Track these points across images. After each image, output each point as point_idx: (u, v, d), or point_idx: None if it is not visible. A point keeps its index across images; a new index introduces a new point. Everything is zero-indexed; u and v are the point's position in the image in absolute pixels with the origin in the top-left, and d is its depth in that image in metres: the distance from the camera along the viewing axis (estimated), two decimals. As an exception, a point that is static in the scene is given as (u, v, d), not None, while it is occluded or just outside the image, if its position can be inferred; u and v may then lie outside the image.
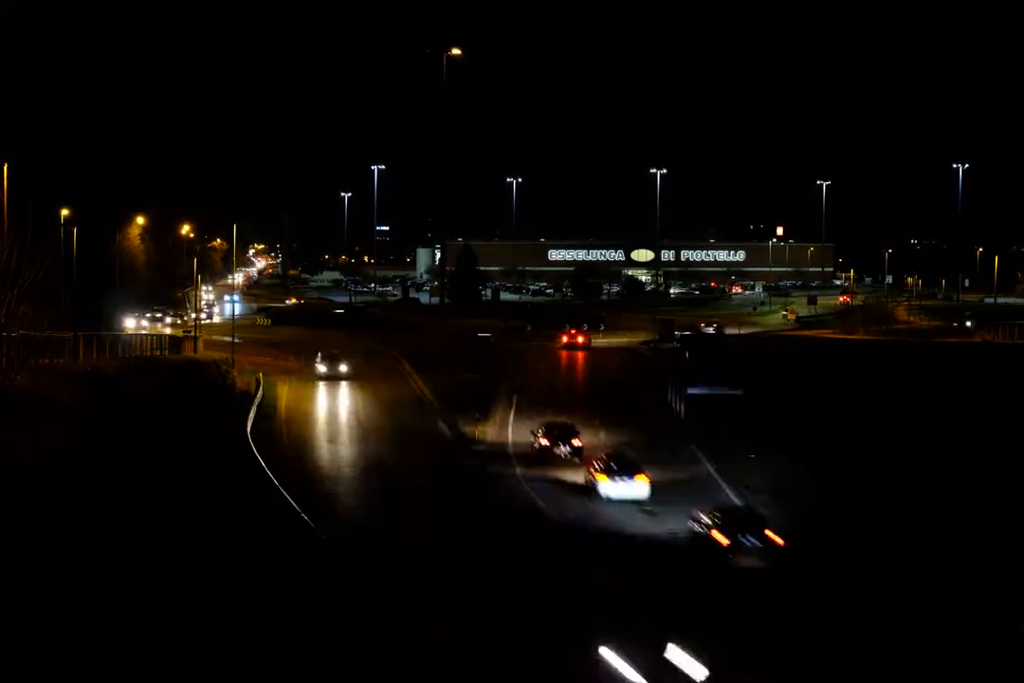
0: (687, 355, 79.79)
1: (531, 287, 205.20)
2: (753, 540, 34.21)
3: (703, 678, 24.88)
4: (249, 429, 54.95)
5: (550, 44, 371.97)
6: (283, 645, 25.59)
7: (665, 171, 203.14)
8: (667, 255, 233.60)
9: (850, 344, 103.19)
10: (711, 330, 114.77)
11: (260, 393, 66.65)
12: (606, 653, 25.67)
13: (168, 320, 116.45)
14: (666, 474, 46.02)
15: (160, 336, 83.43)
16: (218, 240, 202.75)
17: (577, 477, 45.90)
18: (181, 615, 26.29)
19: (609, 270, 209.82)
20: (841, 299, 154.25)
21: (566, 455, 49.24)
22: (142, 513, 34.29)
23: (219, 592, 28.63)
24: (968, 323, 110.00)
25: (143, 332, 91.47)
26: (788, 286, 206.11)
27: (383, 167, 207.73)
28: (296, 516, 38.02)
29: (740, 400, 59.73)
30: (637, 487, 42.70)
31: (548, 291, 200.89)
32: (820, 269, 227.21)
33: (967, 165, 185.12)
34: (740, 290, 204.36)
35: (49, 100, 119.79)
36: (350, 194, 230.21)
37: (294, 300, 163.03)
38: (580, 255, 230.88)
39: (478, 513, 40.89)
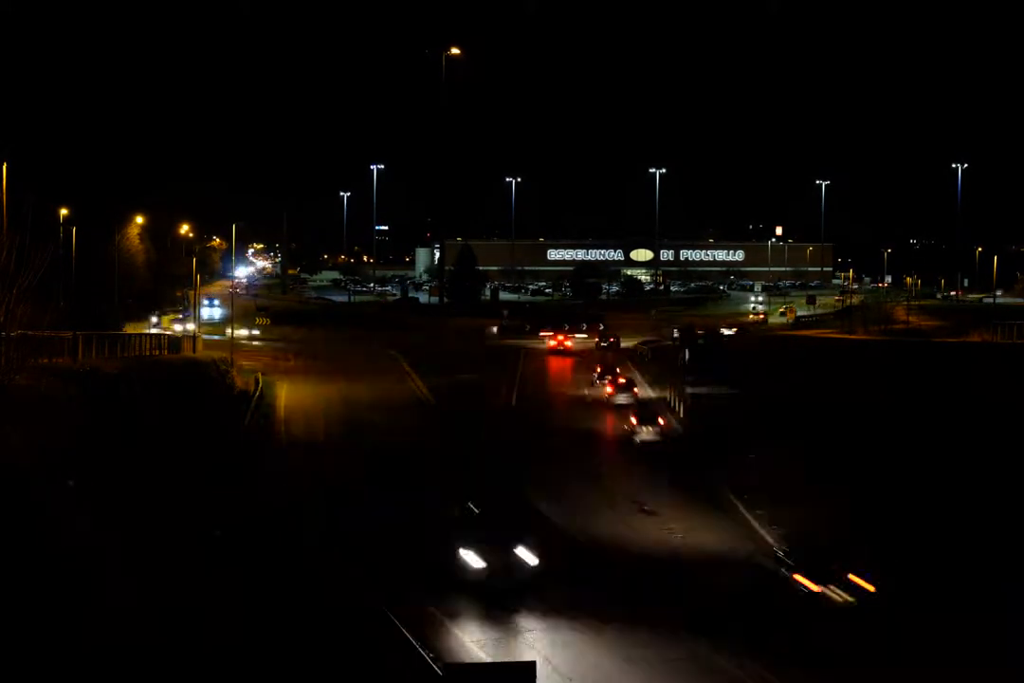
0: (687, 356, 79.86)
1: (530, 287, 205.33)
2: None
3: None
4: (248, 429, 55.03)
5: (548, 43, 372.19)
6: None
7: (664, 171, 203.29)
8: (666, 255, 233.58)
9: (846, 343, 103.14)
10: (731, 331, 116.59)
11: (259, 393, 66.72)
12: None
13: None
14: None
15: (159, 336, 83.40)
16: (217, 240, 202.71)
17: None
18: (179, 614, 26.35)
19: (608, 270, 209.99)
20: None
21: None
22: (138, 512, 34.33)
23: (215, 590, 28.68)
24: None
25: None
26: (787, 286, 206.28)
27: (382, 167, 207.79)
28: (295, 516, 38.09)
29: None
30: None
31: (547, 291, 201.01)
32: (819, 269, 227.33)
33: (967, 165, 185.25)
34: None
35: (48, 100, 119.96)
36: (349, 194, 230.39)
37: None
38: (579, 255, 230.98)
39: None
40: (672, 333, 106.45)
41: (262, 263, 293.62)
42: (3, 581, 25.10)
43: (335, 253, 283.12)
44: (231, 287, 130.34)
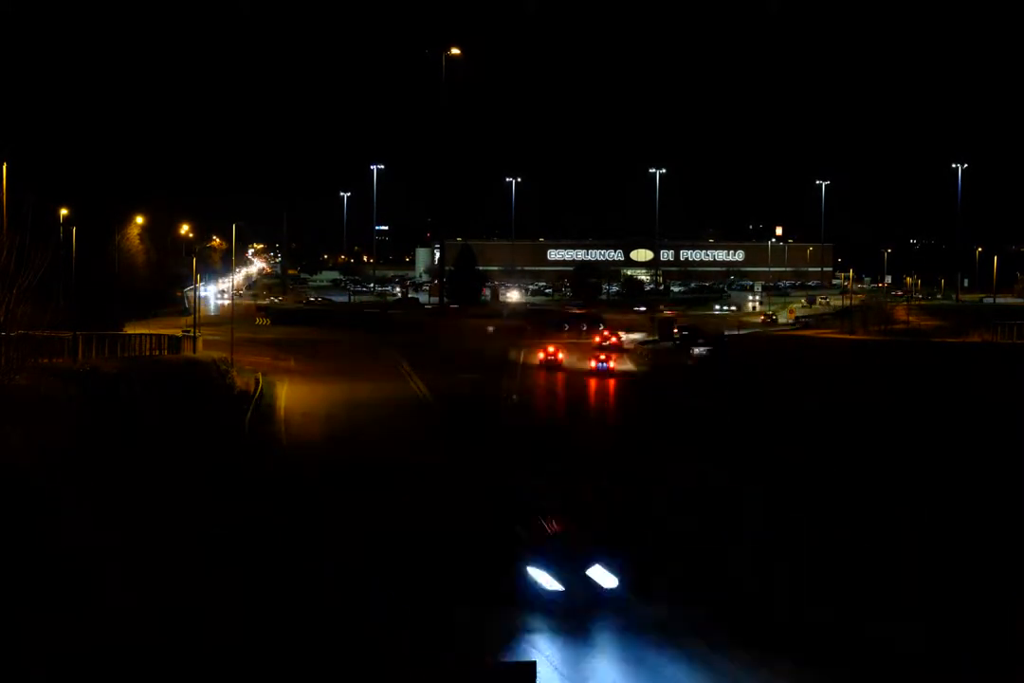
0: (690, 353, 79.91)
1: (530, 287, 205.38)
2: None
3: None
4: (248, 429, 55.02)
5: (548, 43, 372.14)
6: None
7: (664, 170, 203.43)
8: (666, 255, 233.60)
9: (846, 343, 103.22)
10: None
11: (259, 393, 66.73)
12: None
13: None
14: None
15: (159, 336, 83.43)
16: (217, 240, 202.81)
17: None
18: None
19: (608, 270, 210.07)
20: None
21: None
22: (138, 512, 34.31)
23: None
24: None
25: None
26: (787, 286, 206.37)
27: (382, 167, 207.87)
28: (295, 519, 38.04)
29: None
30: None
31: (547, 291, 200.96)
32: (819, 269, 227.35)
33: (967, 165, 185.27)
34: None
35: (48, 100, 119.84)
36: (349, 194, 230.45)
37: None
38: (579, 255, 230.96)
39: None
40: (672, 333, 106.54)
41: (260, 263, 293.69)
42: (3, 581, 25.09)
43: (335, 253, 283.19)
44: (236, 288, 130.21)
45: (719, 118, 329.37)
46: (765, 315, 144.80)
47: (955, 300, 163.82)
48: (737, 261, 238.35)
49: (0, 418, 36.02)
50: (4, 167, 59.17)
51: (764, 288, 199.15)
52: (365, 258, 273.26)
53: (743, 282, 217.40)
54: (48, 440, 36.91)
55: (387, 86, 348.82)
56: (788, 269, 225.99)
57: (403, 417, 62.27)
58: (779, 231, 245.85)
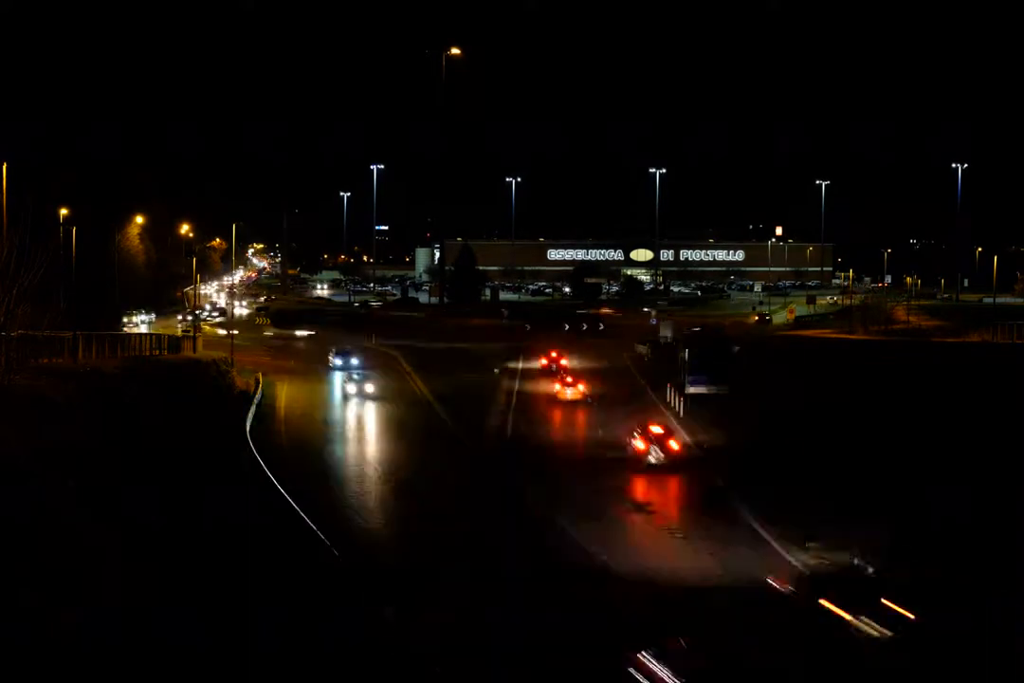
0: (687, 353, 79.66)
1: (530, 287, 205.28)
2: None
3: None
4: (248, 429, 55.04)
5: (548, 42, 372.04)
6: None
7: (664, 171, 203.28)
8: (666, 255, 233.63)
9: (846, 343, 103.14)
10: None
11: (259, 393, 66.75)
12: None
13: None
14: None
15: (160, 336, 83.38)
16: (217, 240, 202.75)
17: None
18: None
19: (608, 270, 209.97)
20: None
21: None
22: (138, 511, 34.34)
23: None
24: None
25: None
26: (787, 286, 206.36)
27: (382, 167, 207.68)
28: (297, 519, 38.07)
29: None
30: None
31: (547, 291, 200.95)
32: (819, 269, 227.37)
33: (967, 165, 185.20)
34: None
35: (48, 99, 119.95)
36: (349, 194, 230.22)
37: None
38: (579, 255, 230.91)
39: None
40: (669, 333, 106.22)
41: (262, 263, 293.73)
42: (3, 581, 25.10)
43: (335, 253, 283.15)
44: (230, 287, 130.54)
45: (719, 119, 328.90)
46: (760, 315, 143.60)
47: (955, 300, 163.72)
48: (737, 261, 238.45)
49: (0, 418, 36.03)
50: (4, 167, 59.17)
51: (764, 288, 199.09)
52: (365, 258, 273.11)
53: (743, 282, 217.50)
54: (48, 440, 36.91)
55: (387, 86, 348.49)
56: (788, 269, 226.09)
57: (402, 417, 62.34)
58: (779, 231, 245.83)
